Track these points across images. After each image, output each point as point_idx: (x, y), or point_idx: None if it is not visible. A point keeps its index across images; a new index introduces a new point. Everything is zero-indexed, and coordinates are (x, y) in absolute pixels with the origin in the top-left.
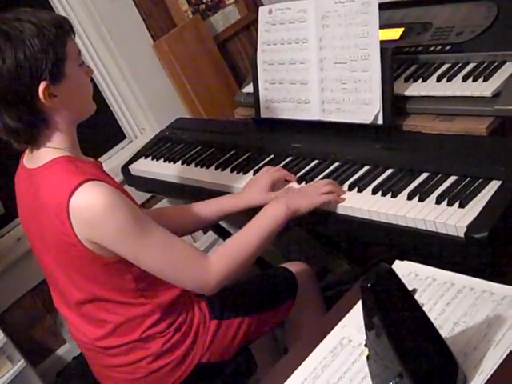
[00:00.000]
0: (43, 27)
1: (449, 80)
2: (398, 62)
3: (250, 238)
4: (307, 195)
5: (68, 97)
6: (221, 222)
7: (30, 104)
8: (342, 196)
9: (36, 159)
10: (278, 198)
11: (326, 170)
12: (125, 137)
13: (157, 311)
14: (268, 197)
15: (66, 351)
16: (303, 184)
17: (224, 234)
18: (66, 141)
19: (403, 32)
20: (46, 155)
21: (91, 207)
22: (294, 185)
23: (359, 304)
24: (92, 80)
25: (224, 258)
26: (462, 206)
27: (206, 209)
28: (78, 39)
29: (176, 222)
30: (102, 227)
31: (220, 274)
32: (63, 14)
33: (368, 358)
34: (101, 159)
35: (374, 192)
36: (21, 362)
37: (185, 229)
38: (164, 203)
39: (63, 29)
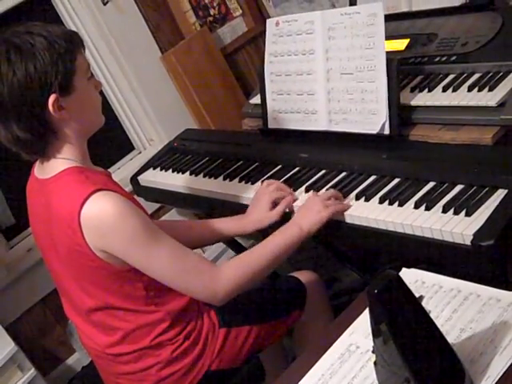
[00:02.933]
0: (54, 41)
1: (454, 90)
2: (403, 72)
3: (262, 256)
4: (315, 211)
5: (77, 109)
6: None
7: (40, 116)
8: (346, 202)
9: (47, 170)
10: (291, 220)
11: (333, 179)
12: (133, 148)
13: (167, 319)
14: (272, 215)
15: (76, 361)
16: (310, 193)
17: (233, 244)
18: (76, 152)
19: (409, 43)
20: (56, 166)
21: (102, 217)
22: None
23: (366, 311)
24: (101, 92)
25: (235, 271)
26: (468, 214)
27: (214, 230)
28: (87, 51)
29: (183, 238)
30: (113, 236)
31: (229, 285)
32: (73, 26)
33: (375, 363)
34: (110, 170)
35: (381, 201)
36: (31, 371)
37: (189, 246)
38: (172, 213)
39: (73, 43)
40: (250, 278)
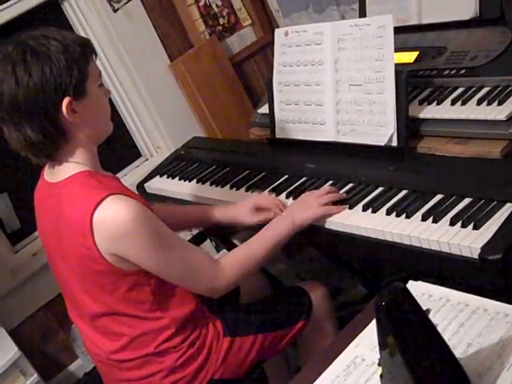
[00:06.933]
0: (68, 45)
1: (463, 103)
2: (412, 85)
3: (256, 249)
4: (309, 207)
5: (88, 114)
6: (234, 240)
7: (53, 118)
8: (342, 206)
9: (57, 173)
10: (283, 213)
11: (340, 190)
12: (140, 155)
13: (172, 326)
14: (250, 218)
15: (78, 367)
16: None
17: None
18: (87, 156)
19: (418, 55)
20: (67, 169)
21: (117, 221)
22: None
23: (372, 323)
24: (109, 99)
25: (233, 265)
26: (476, 227)
27: (193, 214)
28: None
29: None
30: (128, 240)
31: (229, 279)
32: (83, 33)
33: (381, 376)
34: None
35: (389, 213)
36: (34, 377)
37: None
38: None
39: (87, 48)
40: (246, 272)
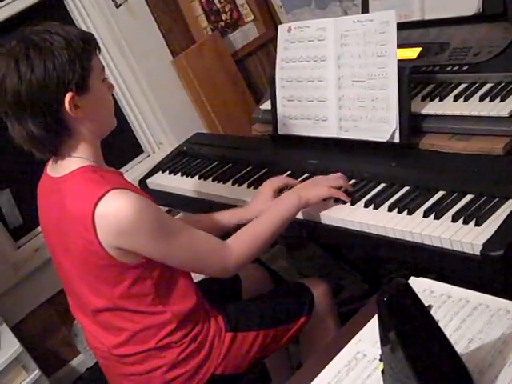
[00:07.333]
0: (71, 40)
1: (466, 100)
2: (415, 81)
3: (264, 226)
4: (317, 186)
5: (91, 109)
6: None
7: (56, 113)
8: (347, 194)
9: (60, 168)
10: (291, 189)
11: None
12: (142, 151)
13: (173, 320)
14: (273, 203)
15: (80, 362)
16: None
17: None
18: (90, 151)
19: (421, 52)
20: (70, 164)
21: (119, 215)
22: None
23: (374, 319)
24: (112, 95)
25: (241, 245)
26: (478, 224)
27: (219, 221)
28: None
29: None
30: (132, 234)
31: (238, 258)
32: (85, 29)
33: (383, 372)
34: None
35: (391, 209)
36: (36, 372)
37: None
38: (180, 217)
39: (90, 43)
40: (255, 249)
